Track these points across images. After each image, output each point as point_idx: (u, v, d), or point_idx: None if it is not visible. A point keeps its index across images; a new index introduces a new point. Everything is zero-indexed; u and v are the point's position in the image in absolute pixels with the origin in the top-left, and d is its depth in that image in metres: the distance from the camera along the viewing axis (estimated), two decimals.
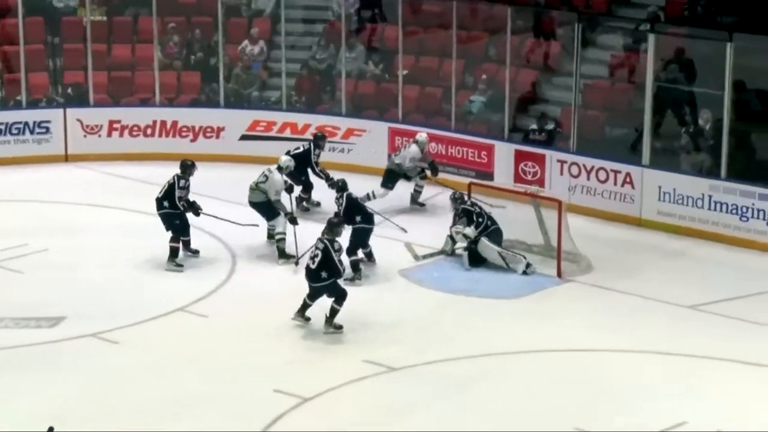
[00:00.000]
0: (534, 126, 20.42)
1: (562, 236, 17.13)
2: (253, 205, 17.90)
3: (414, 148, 19.39)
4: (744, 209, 18.30)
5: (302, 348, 15.30)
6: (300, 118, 21.76)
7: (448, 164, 20.46)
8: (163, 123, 21.91)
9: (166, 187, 17.52)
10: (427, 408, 13.83)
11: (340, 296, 15.39)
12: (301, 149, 19.30)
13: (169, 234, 17.44)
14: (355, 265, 16.80)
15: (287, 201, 17.84)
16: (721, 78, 18.45)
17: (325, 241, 15.39)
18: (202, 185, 20.54)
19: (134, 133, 21.91)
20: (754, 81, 18.89)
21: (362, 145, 21.29)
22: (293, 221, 17.53)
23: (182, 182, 17.51)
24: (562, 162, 19.53)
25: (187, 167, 17.71)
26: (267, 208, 17.83)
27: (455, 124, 20.94)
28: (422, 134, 19.50)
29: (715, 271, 17.54)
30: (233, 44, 22.63)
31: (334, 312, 15.41)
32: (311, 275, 15.39)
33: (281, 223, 17.63)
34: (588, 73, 20.44)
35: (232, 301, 16.53)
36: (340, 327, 15.42)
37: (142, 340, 15.42)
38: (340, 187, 17.56)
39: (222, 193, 19.83)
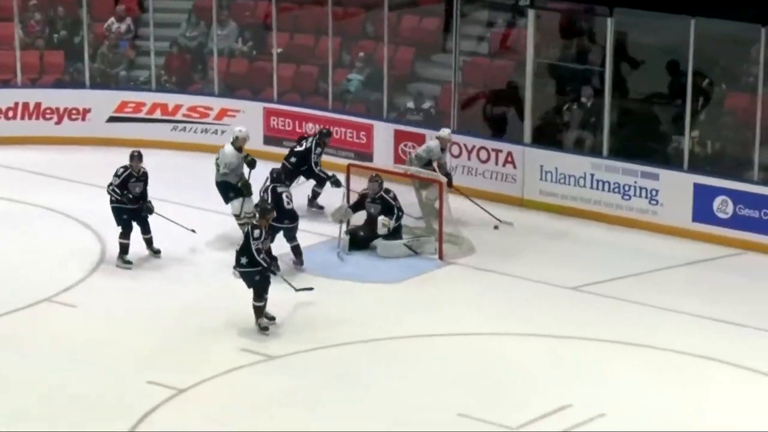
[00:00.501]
0: (411, 105, 20.55)
1: (443, 218, 17.28)
2: (217, 185, 17.79)
3: (433, 143, 18.39)
4: (626, 188, 18.60)
5: (176, 338, 15.24)
6: (171, 99, 21.66)
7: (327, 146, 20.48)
8: (26, 105, 21.67)
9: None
10: (308, 396, 13.89)
11: (256, 289, 15.19)
12: (304, 147, 18.81)
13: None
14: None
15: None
16: (603, 54, 18.77)
17: (248, 227, 15.43)
18: (70, 170, 20.46)
19: None
20: (635, 55, 19.17)
21: (237, 126, 21.19)
22: (246, 187, 17.48)
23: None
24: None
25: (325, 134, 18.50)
26: (223, 188, 17.76)
27: (332, 104, 20.99)
28: (445, 129, 18.63)
29: (597, 251, 17.81)
30: (98, 22, 22.39)
31: (255, 310, 15.26)
32: (235, 259, 15.41)
33: (235, 207, 17.59)
34: (468, 50, 20.59)
35: (102, 291, 16.42)
36: (272, 318, 15.31)
37: (7, 332, 15.27)
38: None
39: (90, 179, 19.69)
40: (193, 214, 18.28)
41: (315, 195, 18.90)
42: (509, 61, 20.53)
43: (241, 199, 17.54)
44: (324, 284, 16.54)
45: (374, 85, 20.89)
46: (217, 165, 17.74)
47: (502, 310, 15.96)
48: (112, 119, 21.65)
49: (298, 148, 18.84)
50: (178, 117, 21.56)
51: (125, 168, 17.00)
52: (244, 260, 15.12)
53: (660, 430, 13.19)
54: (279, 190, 16.86)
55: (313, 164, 18.67)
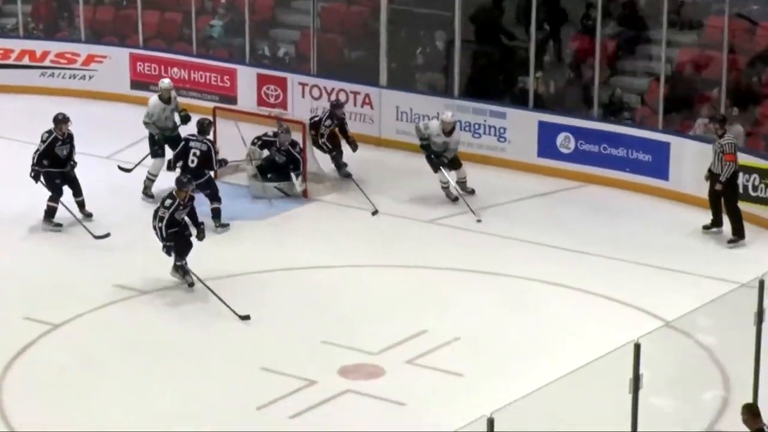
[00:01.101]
0: (280, 52, 20.58)
1: (307, 157, 17.39)
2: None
3: (434, 123, 17.46)
4: (476, 126, 18.85)
5: (52, 274, 15.19)
6: (38, 45, 21.37)
7: (192, 89, 20.44)
8: None
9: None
10: (176, 331, 13.98)
11: (215, 193, 16.14)
12: (317, 117, 17.97)
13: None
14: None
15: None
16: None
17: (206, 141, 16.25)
18: None
19: None
20: (483, 2, 19.40)
21: (103, 72, 21.06)
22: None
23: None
24: (304, 85, 19.74)
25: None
26: (149, 141, 17.43)
27: (197, 49, 20.89)
28: (447, 113, 17.45)
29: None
30: None
31: (216, 212, 16.32)
32: (192, 173, 15.85)
33: (155, 166, 17.20)
34: None
35: None
36: (226, 225, 16.34)
37: None
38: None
39: None
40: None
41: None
42: (365, 7, 20.60)
43: (163, 160, 17.10)
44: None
45: (236, 31, 20.83)
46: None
47: (362, 242, 16.18)
48: None
49: (313, 119, 17.95)
50: (46, 63, 21.28)
51: (50, 132, 16.16)
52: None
53: (509, 350, 13.54)
54: (191, 144, 16.41)
55: (319, 134, 17.70)
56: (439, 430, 11.58)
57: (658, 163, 17.66)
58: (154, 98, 17.48)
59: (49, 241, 16.00)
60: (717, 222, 16.36)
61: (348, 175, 17.81)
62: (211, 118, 17.21)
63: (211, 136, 16.72)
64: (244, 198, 17.40)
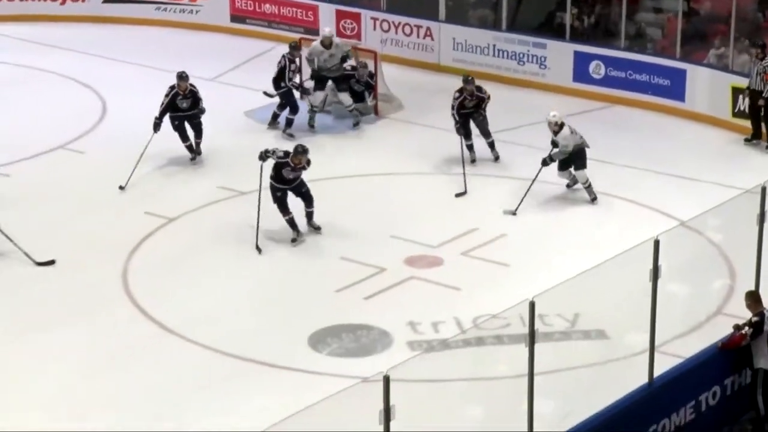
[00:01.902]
0: None
1: (378, 81, 17.29)
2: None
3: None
4: (521, 55, 18.64)
5: (168, 176, 15.26)
6: None
7: (281, 22, 20.32)
8: None
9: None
10: (269, 224, 14.02)
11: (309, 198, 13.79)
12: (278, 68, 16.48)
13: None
14: None
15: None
16: None
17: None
18: (74, 42, 20.16)
19: None
20: None
21: (207, 7, 20.92)
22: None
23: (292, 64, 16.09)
24: (375, 19, 19.54)
25: (294, 48, 16.27)
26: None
27: None
28: (554, 113, 14.89)
29: (498, 106, 17.79)
30: None
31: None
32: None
33: (316, 98, 16.53)
34: None
35: (106, 139, 16.35)
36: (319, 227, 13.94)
37: (30, 174, 15.22)
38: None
39: (91, 49, 19.50)
40: (172, 78, 18.17)
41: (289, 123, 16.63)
42: None
43: (324, 93, 16.65)
44: (281, 135, 16.56)
45: None
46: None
47: (423, 154, 16.06)
48: (106, 1, 21.18)
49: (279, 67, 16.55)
50: None
51: (172, 87, 15.34)
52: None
53: (547, 244, 13.50)
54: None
55: (287, 80, 16.40)
56: (488, 311, 11.61)
57: (675, 87, 17.41)
58: (316, 42, 16.90)
59: (162, 157, 15.97)
60: (757, 134, 16.17)
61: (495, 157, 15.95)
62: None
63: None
64: (327, 117, 17.28)
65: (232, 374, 11.20)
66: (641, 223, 13.67)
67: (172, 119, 15.46)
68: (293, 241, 13.63)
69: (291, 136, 16.35)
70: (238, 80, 18.29)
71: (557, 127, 14.65)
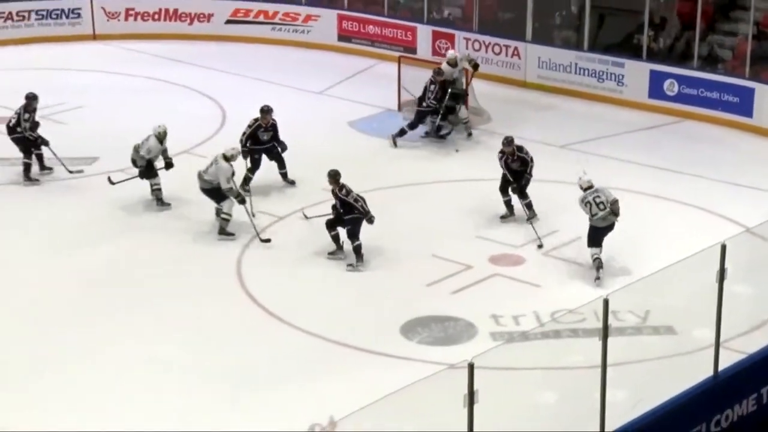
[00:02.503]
0: (447, 12, 20.28)
1: (469, 95, 17.14)
2: (204, 191, 13.71)
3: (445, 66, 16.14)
4: (600, 73, 18.36)
5: (278, 179, 15.33)
6: (270, 7, 21.34)
7: (382, 42, 20.31)
8: (167, 10, 21.45)
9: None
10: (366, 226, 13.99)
11: (354, 232, 12.86)
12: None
13: None
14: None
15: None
16: None
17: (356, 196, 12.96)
18: (199, 58, 20.44)
19: (145, 18, 21.46)
20: None
21: (317, 27, 21.03)
22: (242, 201, 13.60)
23: None
24: (468, 39, 19.42)
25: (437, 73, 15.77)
26: (216, 192, 13.62)
27: (387, 11, 20.67)
28: (450, 51, 16.67)
29: (579, 119, 17.69)
30: None
31: (357, 249, 12.94)
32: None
33: (228, 206, 13.61)
34: None
35: (225, 145, 16.38)
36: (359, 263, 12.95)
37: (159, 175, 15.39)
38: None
39: (213, 64, 19.71)
40: (281, 90, 18.27)
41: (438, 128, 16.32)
42: None
43: (232, 203, 13.60)
44: (377, 143, 16.42)
45: None
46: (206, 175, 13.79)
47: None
48: (229, 21, 21.43)
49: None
50: (276, 20, 21.35)
51: (255, 120, 14.61)
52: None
53: (620, 247, 13.21)
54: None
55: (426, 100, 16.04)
56: (565, 306, 11.41)
57: (744, 104, 16.98)
58: (444, 65, 16.41)
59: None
60: None
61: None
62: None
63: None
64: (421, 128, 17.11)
65: (329, 357, 11.19)
66: (710, 229, 13.33)
67: (252, 152, 14.58)
68: (330, 254, 12.96)
69: (394, 143, 16.20)
70: (343, 93, 18.30)
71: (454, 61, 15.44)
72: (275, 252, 13.29)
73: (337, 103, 17.96)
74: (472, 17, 19.72)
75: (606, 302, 8.44)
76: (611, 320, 8.48)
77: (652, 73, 17.90)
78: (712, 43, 17.92)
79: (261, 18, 21.36)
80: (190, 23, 21.48)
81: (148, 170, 14.36)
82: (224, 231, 13.63)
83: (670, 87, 17.77)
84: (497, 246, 13.34)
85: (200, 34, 21.26)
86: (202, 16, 21.51)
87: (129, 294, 12.30)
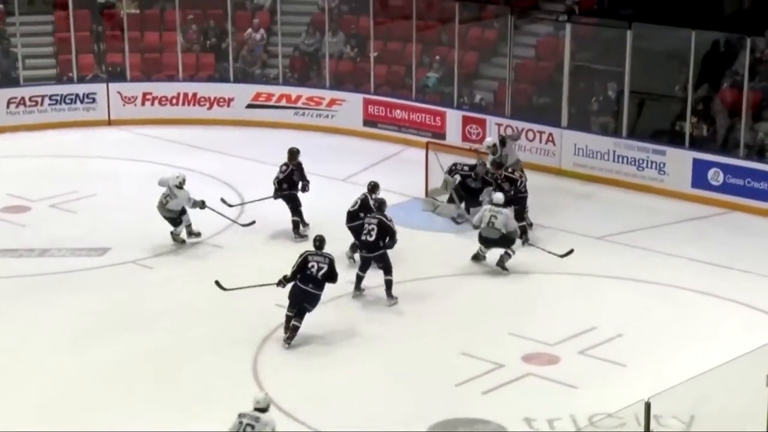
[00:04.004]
0: (478, 97, 20.47)
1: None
2: (166, 219, 15.82)
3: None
4: (640, 161, 18.38)
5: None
6: (293, 91, 21.66)
7: (410, 127, 20.48)
8: (185, 95, 21.79)
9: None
10: (393, 319, 13.94)
11: (388, 267, 14.19)
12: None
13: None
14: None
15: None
16: (623, 57, 18.53)
17: (378, 216, 14.23)
18: (218, 143, 20.64)
19: (162, 102, 21.78)
20: (649, 60, 18.89)
21: (342, 112, 21.26)
22: (203, 206, 15.88)
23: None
24: (499, 125, 19.55)
25: (293, 154, 16.33)
26: (175, 219, 15.85)
27: (415, 95, 20.90)
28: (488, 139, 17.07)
29: (617, 209, 17.65)
30: (240, 31, 22.49)
31: (389, 284, 14.20)
32: (369, 246, 14.15)
33: (186, 219, 15.90)
34: (519, 54, 20.42)
35: (243, 236, 16.52)
36: (396, 298, 14.23)
37: (171, 265, 15.45)
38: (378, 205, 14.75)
39: (233, 151, 19.88)
40: (317, 180, 18.35)
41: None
42: (550, 63, 20.33)
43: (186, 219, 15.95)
44: (403, 233, 16.49)
45: (447, 81, 20.79)
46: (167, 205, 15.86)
47: (542, 254, 15.79)
48: (250, 106, 21.69)
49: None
50: (299, 105, 21.59)
51: (287, 165, 16.24)
52: (381, 243, 14.16)
53: (665, 347, 13.08)
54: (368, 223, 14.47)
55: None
56: (604, 410, 11.22)
57: None
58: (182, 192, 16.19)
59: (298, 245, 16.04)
60: None
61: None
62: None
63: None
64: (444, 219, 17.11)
65: None
66: (759, 328, 13.14)
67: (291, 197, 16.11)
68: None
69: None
70: (368, 180, 18.29)
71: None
72: (296, 345, 13.19)
73: (362, 191, 17.97)
74: (504, 102, 19.87)
75: (648, 406, 8.30)
76: (653, 426, 8.35)
77: (696, 161, 17.89)
78: (759, 131, 17.92)
79: (283, 102, 21.61)
80: (210, 108, 21.76)
81: (180, 216, 15.83)
82: (192, 233, 15.88)
83: (715, 176, 17.73)
84: (530, 343, 13.22)
85: (220, 119, 21.52)
86: (222, 100, 21.79)
87: (141, 389, 12.23)
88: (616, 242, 16.23)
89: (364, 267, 14.47)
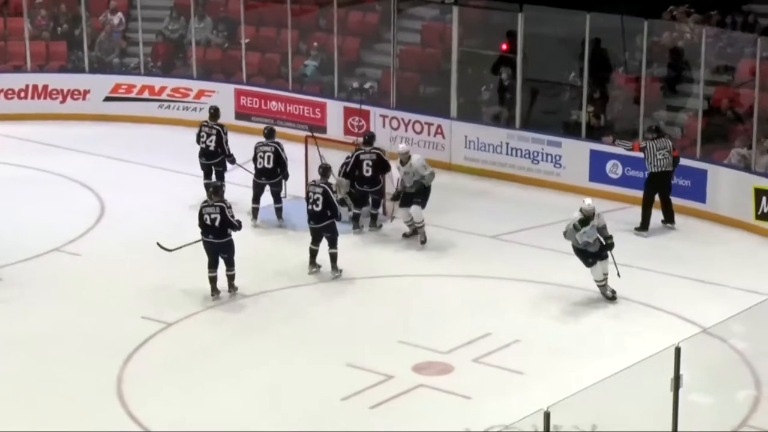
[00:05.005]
0: (356, 85, 20.58)
1: (386, 181, 17.26)
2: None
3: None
4: (535, 153, 18.69)
5: (165, 279, 15.20)
6: (157, 82, 21.49)
7: (288, 120, 20.50)
8: (35, 87, 21.42)
9: None
10: (269, 330, 13.96)
11: (335, 239, 15.15)
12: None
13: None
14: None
15: None
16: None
17: (323, 185, 15.16)
18: (74, 141, 20.31)
19: (9, 96, 21.38)
20: (541, 46, 19.23)
21: (212, 104, 21.09)
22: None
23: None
24: (384, 116, 19.69)
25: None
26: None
27: (292, 85, 20.92)
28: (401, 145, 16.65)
29: (511, 206, 17.91)
30: (95, 16, 22.19)
31: (333, 257, 15.18)
32: (317, 217, 15.09)
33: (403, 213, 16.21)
34: (403, 40, 20.59)
35: (101, 243, 16.34)
36: (341, 270, 15.21)
37: (22, 277, 15.18)
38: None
39: (89, 149, 19.61)
40: (173, 176, 18.26)
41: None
42: (437, 49, 20.54)
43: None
44: (288, 234, 16.55)
45: (326, 70, 20.86)
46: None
47: (432, 255, 16.02)
48: (108, 99, 21.44)
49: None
50: (163, 97, 21.42)
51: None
52: (329, 213, 15.06)
53: (562, 352, 13.35)
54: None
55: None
56: (501, 421, 11.41)
57: (696, 188, 17.39)
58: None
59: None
60: None
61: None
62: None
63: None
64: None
65: None
66: (661, 329, 13.52)
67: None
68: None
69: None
70: (242, 179, 18.26)
71: (405, 157, 15.69)
72: (161, 365, 13.11)
73: (237, 190, 17.91)
74: (389, 92, 20.02)
75: (547, 416, 8.48)
76: None
77: (593, 153, 18.28)
78: (659, 120, 18.39)
79: (146, 94, 21.42)
80: (63, 101, 21.44)
81: None
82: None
83: (614, 169, 18.15)
84: (421, 352, 13.36)
85: (75, 114, 21.21)
86: (76, 92, 21.48)
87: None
88: (510, 241, 16.50)
89: (315, 240, 15.15)
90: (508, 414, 11.05)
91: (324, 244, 15.25)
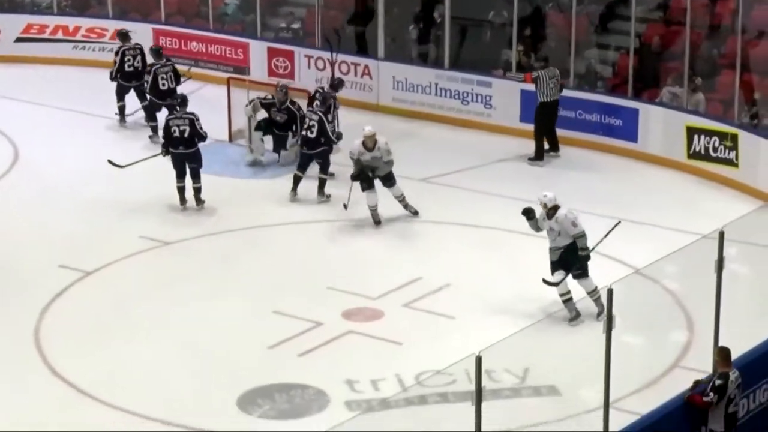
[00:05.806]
0: (283, 24, 20.40)
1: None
2: None
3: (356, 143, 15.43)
4: (465, 94, 18.72)
5: (85, 225, 15.05)
6: (71, 21, 21.15)
7: (209, 61, 20.30)
8: None
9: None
10: (193, 278, 13.91)
11: (326, 165, 15.71)
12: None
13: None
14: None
15: None
16: None
17: (319, 113, 15.63)
18: None
19: None
20: None
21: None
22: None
23: None
24: (309, 57, 19.57)
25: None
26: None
27: (213, 25, 20.70)
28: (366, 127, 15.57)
29: (441, 148, 17.95)
30: None
31: (322, 182, 15.67)
32: (310, 143, 15.52)
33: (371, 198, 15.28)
34: None
35: (16, 189, 16.14)
36: (329, 195, 15.69)
37: None
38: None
39: (2, 91, 19.31)
40: (89, 120, 18.01)
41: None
42: None
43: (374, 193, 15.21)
44: (216, 181, 16.47)
45: (249, 8, 20.64)
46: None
47: (362, 198, 16.01)
48: (19, 39, 21.08)
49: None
50: (78, 37, 21.08)
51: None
52: (323, 140, 15.60)
53: (494, 295, 13.47)
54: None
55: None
56: (432, 367, 11.51)
57: (627, 127, 17.56)
58: (357, 142, 15.42)
59: (83, 197, 15.82)
60: None
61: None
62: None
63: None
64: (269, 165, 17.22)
65: None
66: (593, 271, 13.64)
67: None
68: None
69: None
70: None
71: (373, 143, 15.05)
72: (82, 316, 13.03)
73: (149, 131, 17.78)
74: (314, 31, 19.88)
75: (479, 360, 8.55)
76: (485, 381, 8.60)
77: (524, 93, 18.33)
78: (590, 59, 18.50)
79: (59, 35, 21.08)
80: None
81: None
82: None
83: None
84: (350, 298, 13.42)
85: None
86: None
87: None
88: (440, 184, 16.56)
89: (303, 165, 15.68)
90: (439, 359, 11.14)
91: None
